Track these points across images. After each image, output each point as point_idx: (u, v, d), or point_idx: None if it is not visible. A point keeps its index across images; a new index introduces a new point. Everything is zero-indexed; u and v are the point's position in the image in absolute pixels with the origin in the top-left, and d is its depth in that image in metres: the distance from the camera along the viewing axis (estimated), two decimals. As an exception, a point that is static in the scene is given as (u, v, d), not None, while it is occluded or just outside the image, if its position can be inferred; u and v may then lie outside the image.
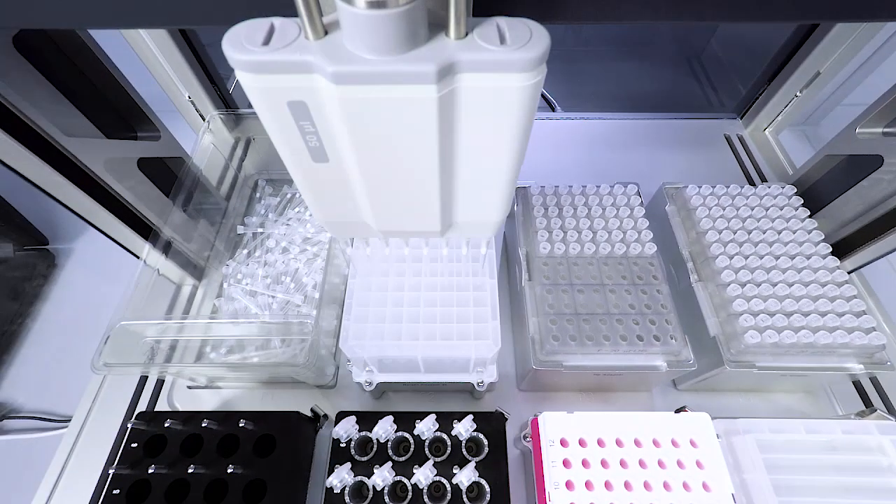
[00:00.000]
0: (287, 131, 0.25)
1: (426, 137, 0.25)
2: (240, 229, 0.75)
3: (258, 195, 0.82)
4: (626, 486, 0.44)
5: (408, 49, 0.21)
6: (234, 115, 0.75)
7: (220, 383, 0.64)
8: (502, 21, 0.23)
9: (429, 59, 0.21)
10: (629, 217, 0.61)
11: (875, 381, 0.64)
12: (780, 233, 0.59)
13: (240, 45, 0.21)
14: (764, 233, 0.59)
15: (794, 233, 0.59)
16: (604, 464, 0.45)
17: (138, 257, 0.58)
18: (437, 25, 0.22)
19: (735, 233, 0.59)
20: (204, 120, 0.77)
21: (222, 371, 0.61)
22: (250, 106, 0.24)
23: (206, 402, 0.63)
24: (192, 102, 0.82)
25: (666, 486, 0.44)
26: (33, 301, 1.07)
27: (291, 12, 0.22)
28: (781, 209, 0.61)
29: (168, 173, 0.67)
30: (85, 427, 0.60)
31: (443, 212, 0.32)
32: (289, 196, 0.81)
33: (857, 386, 0.63)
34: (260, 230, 0.76)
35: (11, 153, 0.45)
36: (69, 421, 0.60)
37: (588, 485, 0.44)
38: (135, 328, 0.53)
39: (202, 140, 0.70)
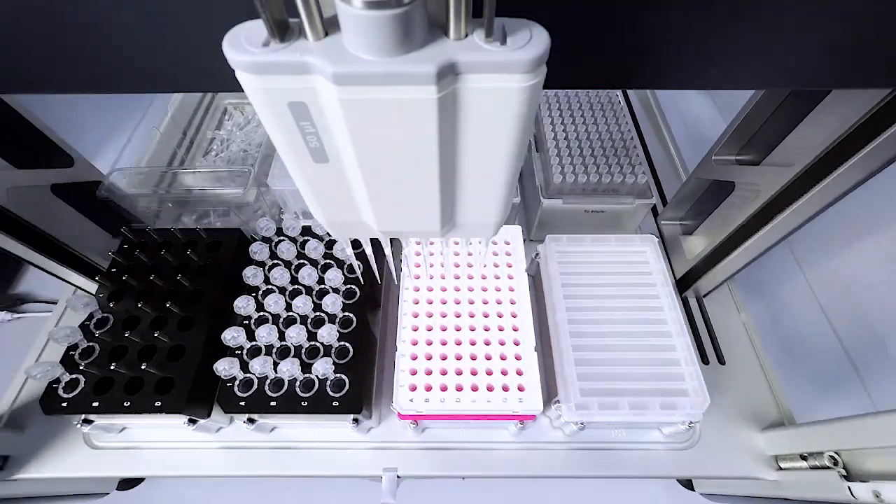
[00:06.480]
0: (288, 132, 0.26)
1: (426, 138, 0.25)
2: (209, 134, 0.98)
3: (227, 116, 1.05)
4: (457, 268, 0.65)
5: (408, 50, 0.22)
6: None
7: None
8: (503, 21, 0.23)
9: (429, 59, 0.21)
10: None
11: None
12: (599, 126, 0.81)
13: (240, 45, 0.22)
14: (588, 127, 0.81)
15: (617, 123, 0.81)
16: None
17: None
18: (437, 26, 0.23)
19: (565, 126, 0.81)
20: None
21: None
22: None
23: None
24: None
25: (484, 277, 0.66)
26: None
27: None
28: (605, 110, 0.83)
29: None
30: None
31: (443, 212, 0.32)
32: (250, 117, 1.03)
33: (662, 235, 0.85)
34: (226, 138, 0.98)
35: None
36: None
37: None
38: (129, 173, 0.75)
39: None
